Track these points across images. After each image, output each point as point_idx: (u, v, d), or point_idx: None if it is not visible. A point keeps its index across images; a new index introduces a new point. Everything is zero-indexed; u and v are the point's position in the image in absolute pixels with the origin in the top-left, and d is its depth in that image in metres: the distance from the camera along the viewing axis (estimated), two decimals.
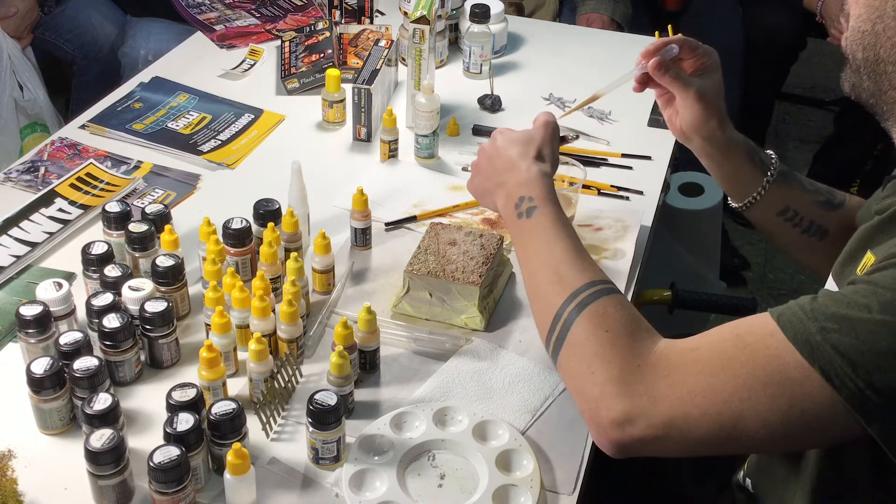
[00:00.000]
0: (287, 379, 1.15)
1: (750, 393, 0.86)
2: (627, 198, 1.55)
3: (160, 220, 1.31)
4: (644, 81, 1.27)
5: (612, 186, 1.56)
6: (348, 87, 1.67)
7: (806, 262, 1.34)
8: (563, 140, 1.30)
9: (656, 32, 1.73)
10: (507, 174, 1.16)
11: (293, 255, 1.22)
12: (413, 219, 1.47)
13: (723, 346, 0.90)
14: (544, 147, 1.19)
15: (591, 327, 0.97)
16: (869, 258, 0.94)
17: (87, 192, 1.49)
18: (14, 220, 1.41)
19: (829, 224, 1.28)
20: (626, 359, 0.93)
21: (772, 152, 1.30)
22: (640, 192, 1.55)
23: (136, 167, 1.58)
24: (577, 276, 1.02)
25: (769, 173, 1.26)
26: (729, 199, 1.32)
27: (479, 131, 1.71)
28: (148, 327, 1.16)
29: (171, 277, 1.22)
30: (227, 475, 0.98)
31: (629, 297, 1.33)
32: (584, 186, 1.55)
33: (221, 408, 1.03)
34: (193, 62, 1.92)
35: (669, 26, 1.71)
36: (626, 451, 0.92)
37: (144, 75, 1.85)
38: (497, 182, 1.17)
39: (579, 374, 0.95)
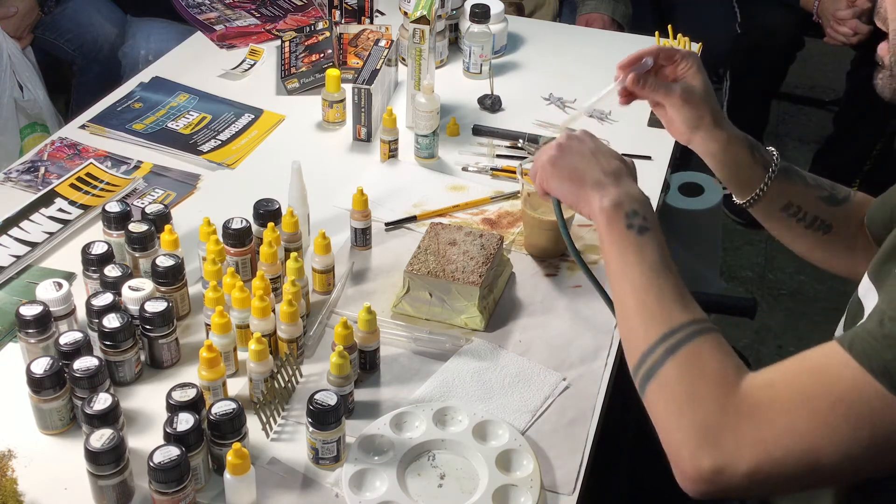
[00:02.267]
0: (287, 379, 1.15)
1: (831, 428, 0.83)
2: None
3: (160, 220, 1.31)
4: (628, 94, 1.29)
5: None
6: (348, 87, 1.67)
7: (811, 257, 1.34)
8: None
9: (656, 33, 1.74)
10: (616, 179, 1.08)
11: (293, 255, 1.23)
12: (413, 219, 1.47)
13: (798, 383, 0.87)
14: (634, 175, 1.12)
15: (683, 370, 0.92)
16: None
17: (87, 192, 1.49)
18: (14, 220, 1.41)
19: (834, 219, 1.28)
20: (713, 404, 0.89)
21: (773, 149, 1.30)
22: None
23: (136, 167, 1.58)
24: (678, 312, 0.96)
25: (771, 169, 1.26)
26: (733, 195, 1.31)
27: (479, 131, 1.71)
28: (148, 327, 1.16)
29: (171, 277, 1.22)
30: (227, 475, 0.98)
31: None
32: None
33: (221, 408, 1.03)
34: (193, 62, 1.92)
35: (669, 26, 1.72)
36: (707, 496, 0.90)
37: (144, 75, 1.86)
38: (598, 182, 1.08)
39: (666, 415, 0.92)
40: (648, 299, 0.98)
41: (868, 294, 1.02)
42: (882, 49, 0.95)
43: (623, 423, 1.38)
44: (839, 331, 1.08)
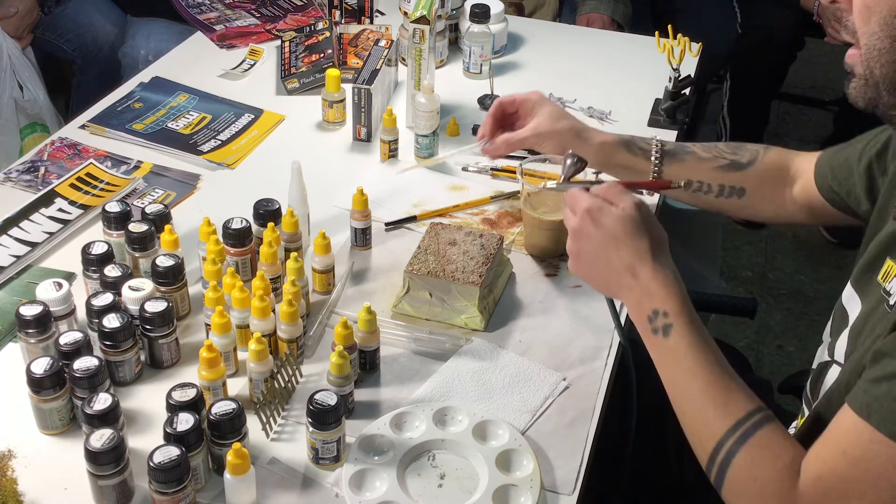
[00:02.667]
0: (287, 379, 1.15)
1: (883, 502, 0.85)
2: None
3: (160, 220, 1.31)
4: (498, 153, 1.45)
5: None
6: (348, 87, 1.67)
7: (737, 218, 1.42)
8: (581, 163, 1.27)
9: (656, 33, 1.74)
10: (628, 277, 1.05)
11: (293, 255, 1.22)
12: (413, 219, 1.47)
13: (841, 471, 0.87)
14: (652, 230, 1.07)
15: (750, 466, 0.94)
16: (891, 265, 0.94)
17: (87, 192, 1.49)
18: (14, 220, 1.41)
19: (745, 182, 1.33)
20: (778, 499, 0.93)
21: (656, 136, 1.37)
22: (641, 193, 1.55)
23: (136, 167, 1.58)
24: (734, 406, 0.96)
25: (654, 158, 1.34)
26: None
27: None
28: (148, 327, 1.15)
29: (171, 277, 1.22)
30: (227, 475, 0.98)
31: None
32: (596, 179, 1.55)
33: (221, 408, 1.03)
34: (193, 62, 1.92)
35: (669, 26, 1.72)
36: None
37: (144, 75, 1.85)
38: (616, 282, 1.07)
39: None
40: (698, 402, 0.98)
41: (851, 301, 1.03)
42: (852, 56, 0.95)
43: (625, 422, 1.38)
44: (826, 336, 1.09)
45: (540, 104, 1.41)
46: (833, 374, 1.03)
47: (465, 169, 1.61)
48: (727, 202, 1.34)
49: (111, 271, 1.22)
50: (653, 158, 1.34)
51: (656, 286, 1.03)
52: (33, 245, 1.37)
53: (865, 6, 0.90)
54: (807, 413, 1.10)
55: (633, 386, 1.18)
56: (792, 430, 1.15)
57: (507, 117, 1.45)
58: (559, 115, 1.39)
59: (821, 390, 1.05)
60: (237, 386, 1.17)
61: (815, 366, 1.13)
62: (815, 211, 1.30)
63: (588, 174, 1.26)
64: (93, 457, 0.97)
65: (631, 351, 1.16)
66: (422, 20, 1.61)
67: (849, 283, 1.05)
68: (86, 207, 1.45)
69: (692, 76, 1.78)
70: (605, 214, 1.07)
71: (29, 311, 1.12)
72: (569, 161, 1.22)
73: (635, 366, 1.15)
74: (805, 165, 1.32)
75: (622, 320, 1.18)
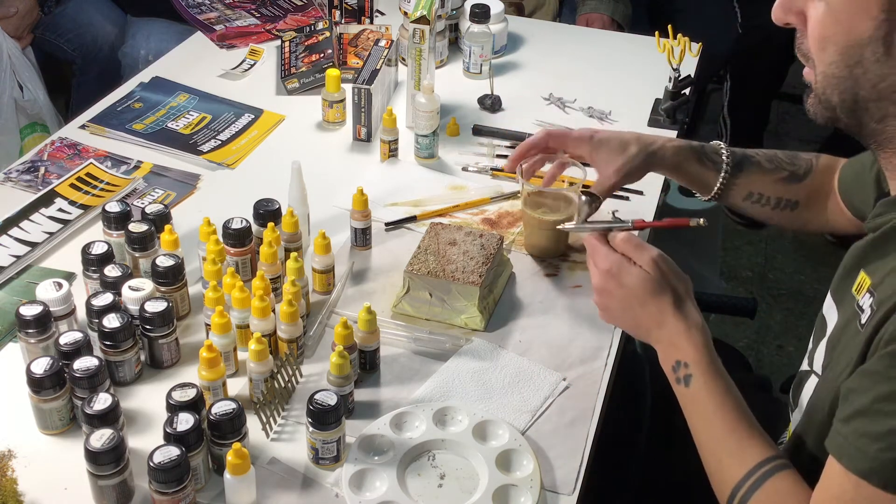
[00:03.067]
0: (287, 379, 1.15)
1: None
2: (627, 198, 1.54)
3: (160, 220, 1.31)
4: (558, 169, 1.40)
5: None
6: (348, 87, 1.67)
7: (787, 228, 1.39)
8: (596, 201, 1.26)
9: (656, 33, 1.74)
10: (654, 329, 1.09)
11: (293, 255, 1.22)
12: (413, 219, 1.47)
13: None
14: (674, 283, 1.09)
15: None
16: (864, 278, 0.95)
17: (87, 192, 1.49)
18: (14, 220, 1.41)
19: (798, 195, 1.33)
20: None
21: (722, 144, 1.35)
22: (640, 193, 1.55)
23: (136, 167, 1.58)
24: (750, 453, 0.99)
25: (723, 170, 1.32)
26: (697, 194, 1.38)
27: (479, 131, 1.70)
28: (148, 327, 1.15)
29: (171, 277, 1.22)
30: (227, 475, 0.98)
31: None
32: (584, 186, 1.55)
33: (221, 408, 1.03)
34: (193, 62, 1.92)
35: (669, 26, 1.72)
36: None
37: (144, 75, 1.85)
38: (645, 334, 1.10)
39: None
40: (716, 449, 1.01)
41: (830, 311, 1.04)
42: (808, 75, 0.95)
43: (627, 422, 1.38)
44: (810, 344, 1.09)
45: (597, 143, 1.32)
46: (811, 384, 1.04)
47: (465, 169, 1.61)
48: (781, 214, 1.34)
49: (111, 271, 1.22)
50: (722, 174, 1.32)
51: (678, 338, 1.07)
52: (33, 245, 1.37)
53: (822, 35, 0.90)
54: (790, 420, 1.11)
55: (647, 383, 1.20)
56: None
57: (547, 148, 1.38)
58: (621, 145, 1.32)
59: (800, 399, 1.06)
60: (237, 386, 1.17)
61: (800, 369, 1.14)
62: (852, 220, 1.29)
63: (604, 213, 1.22)
64: (93, 457, 0.97)
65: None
66: (422, 20, 1.61)
67: (829, 293, 1.06)
68: (86, 207, 1.45)
69: (692, 76, 1.78)
70: (625, 274, 1.10)
71: (29, 311, 1.12)
72: (583, 201, 1.21)
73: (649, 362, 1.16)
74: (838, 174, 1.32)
75: None
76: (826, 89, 0.92)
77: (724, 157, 1.32)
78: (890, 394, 0.83)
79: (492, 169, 1.60)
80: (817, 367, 1.03)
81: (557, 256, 1.40)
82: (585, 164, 1.36)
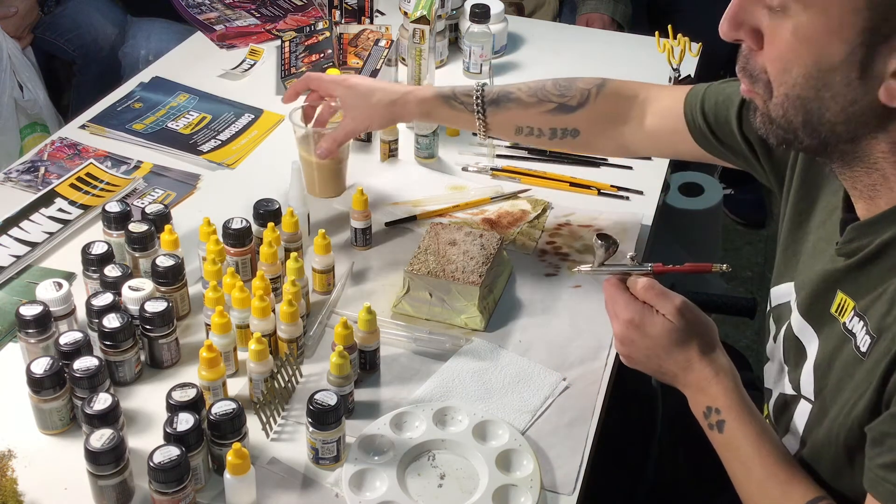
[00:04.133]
0: (287, 379, 1.15)
1: None
2: (627, 197, 1.55)
3: (160, 220, 1.31)
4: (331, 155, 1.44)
5: (612, 186, 1.56)
6: None
7: (582, 153, 1.45)
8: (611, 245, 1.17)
9: (656, 33, 1.74)
10: (682, 374, 1.07)
11: (293, 255, 1.22)
12: (413, 219, 1.47)
13: None
14: (699, 330, 1.07)
15: None
16: (844, 299, 0.94)
17: (87, 192, 1.49)
18: (14, 220, 1.41)
19: (577, 124, 1.33)
20: None
21: (476, 84, 1.36)
22: (640, 192, 1.55)
23: (136, 167, 1.58)
24: (794, 497, 0.97)
25: (475, 110, 1.34)
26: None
27: None
28: (148, 327, 1.15)
29: (171, 277, 1.22)
30: (227, 475, 0.98)
31: None
32: (585, 186, 1.55)
33: (221, 408, 1.03)
34: (193, 62, 1.92)
35: (669, 26, 1.72)
36: None
37: (144, 75, 1.85)
38: (672, 380, 1.09)
39: None
40: (756, 494, 0.99)
41: (805, 332, 1.02)
42: (748, 93, 0.92)
43: (628, 422, 1.38)
44: (785, 365, 1.07)
45: (346, 87, 1.40)
46: (803, 410, 1.02)
47: (465, 169, 1.61)
48: (562, 142, 1.35)
49: (111, 271, 1.22)
50: (475, 111, 1.34)
51: (706, 383, 1.04)
52: (33, 245, 1.37)
53: (786, 57, 0.86)
54: None
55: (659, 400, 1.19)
56: None
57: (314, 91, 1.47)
58: (367, 91, 1.39)
59: (790, 424, 1.04)
60: (237, 386, 1.17)
61: (767, 385, 1.12)
62: (666, 142, 1.29)
63: (620, 256, 1.18)
64: (93, 457, 0.97)
65: None
66: (422, 20, 1.61)
67: (796, 312, 1.04)
68: (86, 207, 1.45)
69: (692, 76, 1.78)
70: (649, 324, 1.06)
71: (29, 311, 1.12)
72: (599, 245, 1.15)
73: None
74: (661, 94, 1.30)
75: None
76: (788, 111, 0.88)
77: (473, 96, 1.34)
78: None
79: (492, 169, 1.60)
80: (806, 392, 1.01)
81: (340, 194, 1.49)
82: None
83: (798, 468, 0.98)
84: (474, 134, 1.41)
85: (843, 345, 0.93)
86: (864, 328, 0.90)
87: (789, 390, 1.05)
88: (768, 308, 1.14)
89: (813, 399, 1.00)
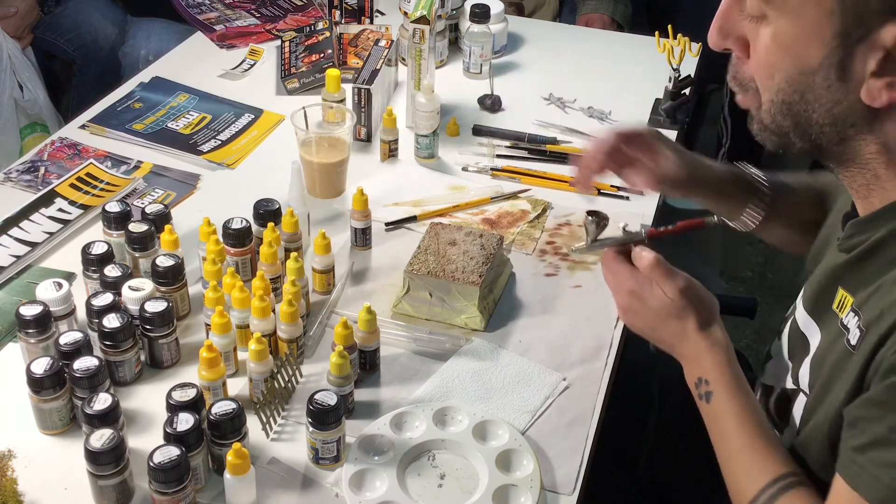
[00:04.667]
0: (287, 379, 1.15)
1: None
2: (627, 197, 1.55)
3: (160, 220, 1.31)
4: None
5: (612, 186, 1.56)
6: (348, 87, 1.67)
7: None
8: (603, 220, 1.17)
9: (656, 33, 1.74)
10: (679, 345, 1.09)
11: (293, 255, 1.22)
12: (413, 219, 1.47)
13: None
14: (698, 307, 1.08)
15: None
16: (844, 296, 0.95)
17: (87, 192, 1.49)
18: (14, 220, 1.41)
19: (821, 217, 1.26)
20: None
21: (759, 173, 1.26)
22: (641, 192, 1.55)
23: (136, 167, 1.58)
24: (768, 468, 0.99)
25: (762, 200, 1.24)
26: (731, 224, 1.29)
27: (479, 131, 1.70)
28: (148, 327, 1.15)
29: (171, 277, 1.22)
30: (227, 475, 0.98)
31: None
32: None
33: (221, 408, 1.03)
34: (193, 62, 1.92)
35: (669, 26, 1.72)
36: None
37: (144, 75, 1.85)
38: (670, 349, 1.10)
39: None
40: (733, 464, 1.01)
41: (809, 327, 1.04)
42: (745, 102, 0.93)
43: (629, 422, 1.38)
44: (789, 361, 1.08)
45: (659, 142, 1.22)
46: (800, 403, 1.03)
47: (465, 169, 1.61)
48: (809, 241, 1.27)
49: (111, 271, 1.22)
50: (762, 199, 1.24)
51: (700, 355, 1.06)
52: (33, 245, 1.37)
53: (768, 63, 0.88)
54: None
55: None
56: None
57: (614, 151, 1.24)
58: (679, 158, 1.23)
59: (790, 417, 1.06)
60: (237, 386, 1.17)
61: (768, 381, 1.13)
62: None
63: (618, 228, 1.18)
64: (93, 457, 0.97)
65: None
66: (422, 20, 1.62)
67: (801, 308, 1.06)
68: (86, 207, 1.45)
69: (692, 76, 1.78)
70: (650, 297, 1.08)
71: (29, 311, 1.12)
72: (590, 220, 1.15)
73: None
74: None
75: None
76: (776, 116, 0.90)
77: (764, 185, 1.25)
78: None
79: (492, 169, 1.60)
80: (804, 385, 1.03)
81: (339, 196, 1.49)
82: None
83: (778, 445, 1.01)
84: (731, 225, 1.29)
85: (838, 339, 0.95)
86: (858, 323, 0.92)
87: (790, 384, 1.06)
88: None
89: (808, 392, 1.01)
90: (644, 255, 1.09)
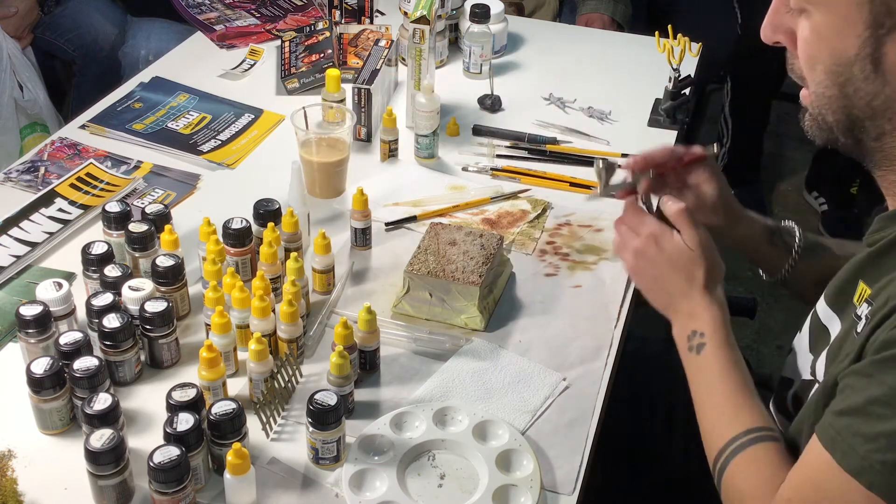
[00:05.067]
0: (287, 379, 1.15)
1: None
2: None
3: (160, 220, 1.31)
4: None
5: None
6: (348, 87, 1.67)
7: None
8: (611, 168, 1.24)
9: (656, 33, 1.74)
10: (679, 299, 1.13)
11: (293, 255, 1.22)
12: (413, 219, 1.47)
13: (805, 498, 0.91)
14: (710, 262, 1.12)
15: (737, 475, 1.00)
16: (864, 289, 0.96)
17: (87, 192, 1.49)
18: (14, 220, 1.41)
19: None
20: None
21: (795, 227, 1.28)
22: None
23: (136, 167, 1.58)
24: (743, 419, 1.02)
25: (794, 252, 1.26)
26: (763, 274, 1.32)
27: (479, 131, 1.71)
28: (148, 327, 1.15)
29: (171, 277, 1.22)
30: (227, 475, 0.98)
31: (629, 297, 1.33)
32: (585, 186, 1.55)
33: (221, 408, 1.03)
34: (193, 62, 1.92)
35: (669, 26, 1.72)
36: None
37: (144, 75, 1.85)
38: (667, 303, 1.14)
39: None
40: (712, 413, 1.05)
41: (832, 321, 1.05)
42: (805, 98, 0.96)
43: (629, 422, 1.38)
44: (804, 350, 1.09)
45: (713, 178, 1.25)
46: (816, 393, 1.04)
47: (465, 169, 1.61)
48: None
49: (111, 271, 1.22)
50: (794, 253, 1.27)
51: (701, 310, 1.11)
52: (33, 245, 1.37)
53: (809, 55, 0.90)
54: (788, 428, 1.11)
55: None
56: None
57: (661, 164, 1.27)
58: (723, 196, 1.26)
59: (805, 408, 1.06)
60: (237, 386, 1.17)
61: (787, 374, 1.14)
62: None
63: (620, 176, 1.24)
64: (93, 457, 0.97)
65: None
66: (422, 20, 1.62)
67: (823, 302, 1.07)
68: (86, 207, 1.45)
69: (692, 76, 1.78)
70: (667, 241, 1.14)
71: (29, 311, 1.12)
72: (601, 167, 1.23)
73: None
74: None
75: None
76: (821, 109, 0.92)
77: (797, 237, 1.27)
78: (882, 397, 0.84)
79: (492, 169, 1.60)
80: (819, 375, 1.03)
81: (339, 196, 1.49)
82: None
83: (759, 403, 1.04)
84: (763, 272, 1.32)
85: (851, 329, 0.96)
86: (867, 312, 0.93)
87: (808, 375, 1.06)
88: None
89: (821, 381, 1.02)
90: (672, 203, 1.14)
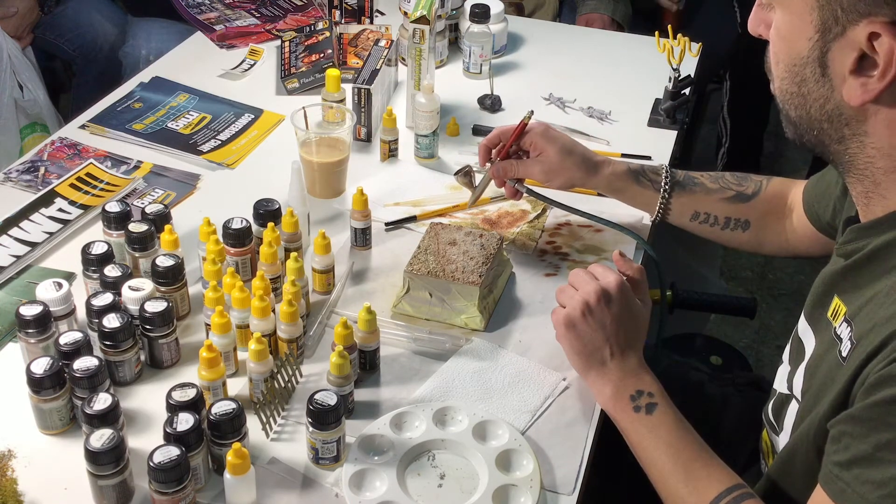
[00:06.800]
0: (287, 379, 1.15)
1: None
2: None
3: (160, 220, 1.31)
4: (503, 183, 1.39)
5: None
6: (348, 87, 1.67)
7: (742, 250, 1.41)
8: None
9: (656, 33, 1.74)
10: (622, 355, 1.12)
11: (293, 255, 1.22)
12: (413, 219, 1.47)
13: None
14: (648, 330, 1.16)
15: None
16: (839, 304, 0.95)
17: (87, 192, 1.49)
18: (14, 220, 1.41)
19: (749, 215, 1.34)
20: None
21: (664, 165, 1.37)
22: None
23: (136, 167, 1.58)
24: (714, 481, 1.00)
25: (662, 189, 1.34)
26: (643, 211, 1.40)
27: (479, 131, 1.71)
28: (148, 327, 1.16)
29: (171, 277, 1.22)
30: (227, 475, 0.98)
31: None
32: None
33: (221, 408, 1.03)
34: (193, 62, 1.92)
35: (669, 27, 1.72)
36: None
37: (144, 75, 1.85)
38: (604, 356, 1.12)
39: None
40: (678, 476, 1.02)
41: (806, 334, 1.05)
42: (773, 90, 0.96)
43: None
44: (787, 365, 1.09)
45: (546, 137, 1.36)
46: (793, 409, 1.04)
47: (456, 174, 1.61)
48: (732, 235, 1.35)
49: (111, 271, 1.22)
50: (662, 190, 1.35)
51: (641, 370, 1.12)
52: (33, 245, 1.37)
53: (774, 51, 0.91)
54: (771, 441, 1.12)
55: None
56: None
57: (498, 146, 1.41)
58: (567, 149, 1.36)
59: (784, 423, 1.06)
60: (237, 386, 1.17)
61: (775, 385, 1.13)
62: (816, 240, 1.29)
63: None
64: (93, 457, 0.97)
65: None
66: (422, 20, 1.62)
67: (802, 315, 1.06)
68: (86, 207, 1.45)
69: (692, 76, 1.78)
70: (628, 299, 1.14)
71: (29, 311, 1.12)
72: (461, 174, 1.43)
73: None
74: (798, 194, 1.32)
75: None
76: (784, 105, 0.92)
77: (664, 174, 1.35)
78: (890, 442, 0.82)
79: None
80: (797, 391, 1.03)
81: (339, 196, 1.50)
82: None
83: (719, 459, 1.03)
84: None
85: (831, 349, 0.94)
86: (850, 334, 0.91)
87: (785, 390, 1.06)
88: None
89: (800, 399, 1.01)
90: (631, 261, 1.19)
